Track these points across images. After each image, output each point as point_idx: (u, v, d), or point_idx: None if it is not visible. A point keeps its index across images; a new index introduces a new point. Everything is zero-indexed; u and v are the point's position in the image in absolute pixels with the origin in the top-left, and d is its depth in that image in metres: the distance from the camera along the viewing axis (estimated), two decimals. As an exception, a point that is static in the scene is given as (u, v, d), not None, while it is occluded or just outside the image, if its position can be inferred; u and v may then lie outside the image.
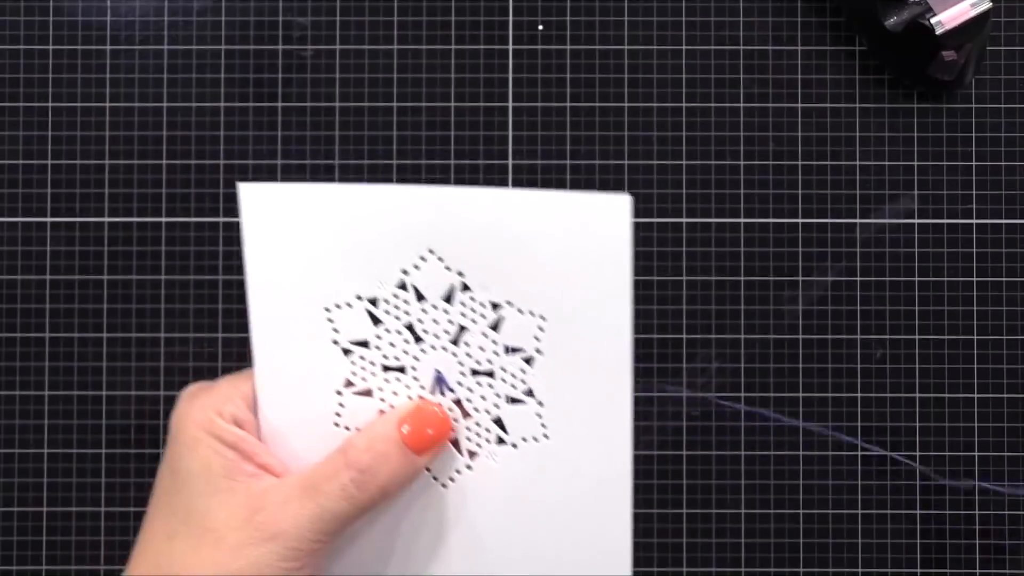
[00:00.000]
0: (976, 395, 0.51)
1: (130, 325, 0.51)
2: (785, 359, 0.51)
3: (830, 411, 0.51)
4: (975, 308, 0.51)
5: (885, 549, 0.50)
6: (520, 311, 0.32)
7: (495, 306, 0.32)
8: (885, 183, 0.51)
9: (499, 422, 0.33)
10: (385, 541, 0.35)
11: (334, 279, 0.33)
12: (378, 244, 0.32)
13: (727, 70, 0.52)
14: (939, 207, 0.51)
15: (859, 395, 0.51)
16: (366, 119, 0.51)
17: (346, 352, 0.33)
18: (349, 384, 0.34)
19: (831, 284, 0.51)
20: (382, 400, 0.34)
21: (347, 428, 0.34)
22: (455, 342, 0.33)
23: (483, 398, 0.33)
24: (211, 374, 0.51)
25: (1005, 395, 0.51)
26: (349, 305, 0.33)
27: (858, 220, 0.51)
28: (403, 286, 0.32)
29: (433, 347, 0.33)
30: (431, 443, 0.33)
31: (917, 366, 0.51)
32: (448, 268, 0.32)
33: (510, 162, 0.51)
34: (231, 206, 0.51)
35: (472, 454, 0.34)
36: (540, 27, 0.52)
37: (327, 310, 0.33)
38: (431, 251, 0.32)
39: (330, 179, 0.51)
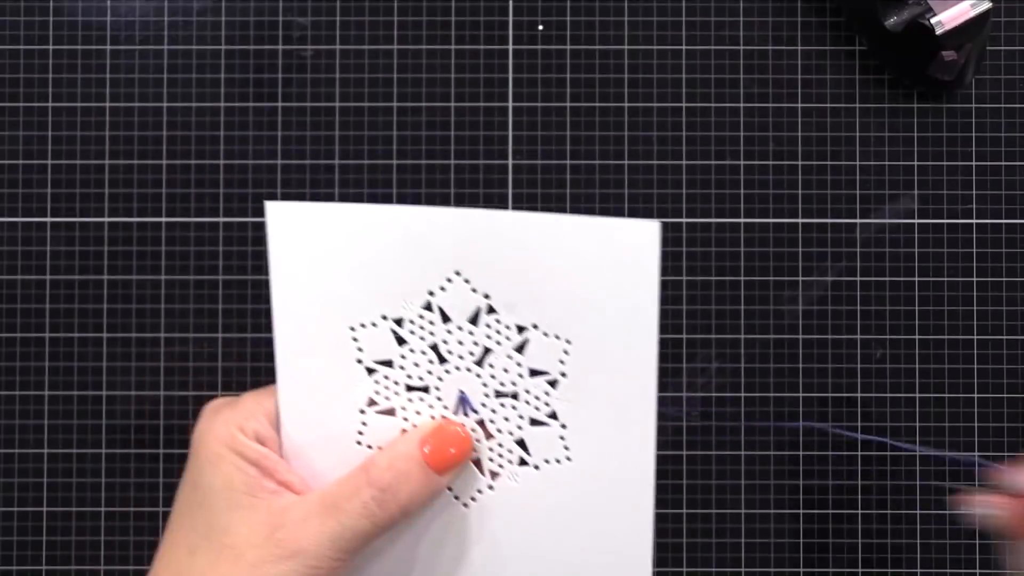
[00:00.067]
0: (976, 395, 0.51)
1: (130, 325, 0.51)
2: (785, 359, 0.51)
3: (830, 411, 0.51)
4: (975, 308, 0.51)
5: (885, 549, 0.50)
6: (545, 334, 0.32)
7: (520, 329, 0.32)
8: (885, 183, 0.51)
9: (522, 443, 0.33)
10: (406, 559, 0.35)
11: (360, 299, 0.33)
12: (405, 265, 0.32)
13: (727, 70, 0.52)
14: (939, 207, 0.51)
15: (859, 395, 0.51)
16: (366, 119, 0.51)
17: (370, 371, 0.33)
18: (372, 403, 0.34)
19: (831, 284, 0.51)
20: (405, 419, 0.34)
21: (369, 447, 0.34)
22: (479, 363, 0.33)
23: (506, 419, 0.33)
24: (211, 374, 0.51)
25: (1005, 395, 0.51)
26: (374, 325, 0.33)
27: (858, 220, 0.51)
28: (429, 307, 0.32)
29: (457, 368, 0.33)
30: (453, 463, 0.33)
31: (917, 366, 0.51)
32: (474, 290, 0.32)
33: (510, 162, 0.51)
34: (231, 206, 0.51)
35: (494, 474, 0.34)
36: (540, 27, 0.52)
37: (352, 329, 0.33)
38: (458, 273, 0.32)
39: (330, 179, 0.51)
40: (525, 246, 0.31)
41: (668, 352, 0.51)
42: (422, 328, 0.33)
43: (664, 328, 0.51)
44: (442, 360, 0.33)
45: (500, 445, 0.33)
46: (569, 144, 0.51)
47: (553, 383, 0.32)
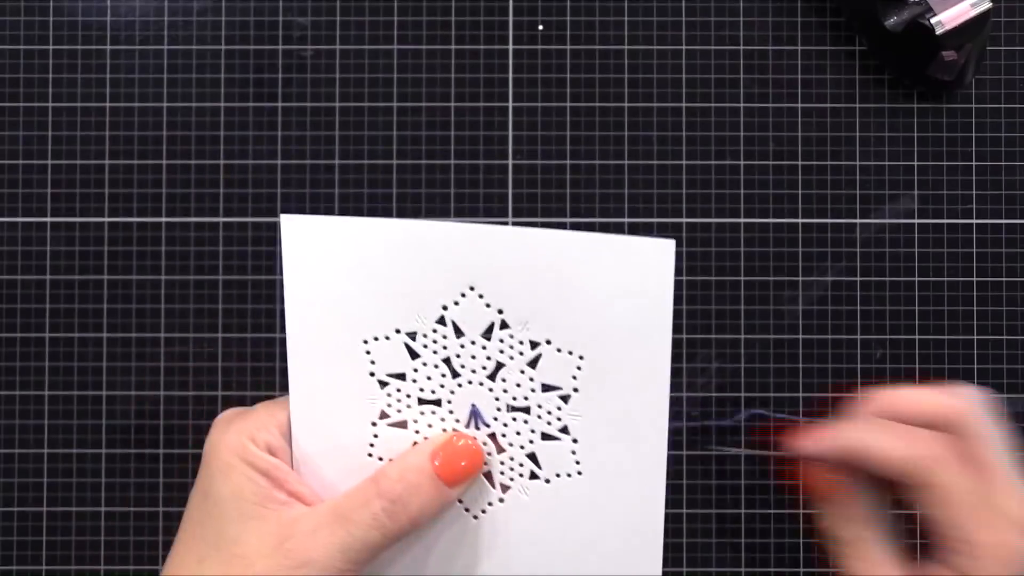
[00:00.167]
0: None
1: (130, 325, 0.51)
2: (785, 359, 0.51)
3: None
4: (975, 308, 0.51)
5: (885, 549, 0.50)
6: (559, 350, 0.32)
7: (534, 344, 0.32)
8: (885, 183, 0.51)
9: (533, 457, 0.33)
10: (416, 570, 0.35)
11: (373, 312, 0.33)
12: (419, 279, 0.32)
13: (727, 70, 0.52)
14: (939, 207, 0.51)
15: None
16: (366, 119, 0.51)
17: (382, 384, 0.33)
18: (384, 415, 0.34)
19: (831, 284, 0.51)
20: (416, 432, 0.34)
21: (380, 459, 0.34)
22: (492, 378, 0.33)
23: (518, 433, 0.33)
24: (211, 374, 0.51)
25: (1005, 395, 0.51)
26: (387, 338, 0.33)
27: (858, 220, 0.51)
28: (442, 321, 0.33)
29: (470, 382, 0.33)
30: (463, 475, 0.33)
31: (917, 366, 0.51)
32: (488, 305, 0.32)
33: (510, 162, 0.51)
34: (231, 206, 0.51)
35: (505, 488, 0.34)
36: (540, 27, 0.52)
37: (365, 342, 0.33)
38: (472, 288, 0.32)
39: (330, 179, 0.51)
40: (539, 262, 0.31)
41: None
42: (435, 342, 0.33)
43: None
44: (455, 374, 0.33)
45: (511, 459, 0.34)
46: (569, 144, 0.51)
47: (565, 398, 0.33)
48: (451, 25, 0.52)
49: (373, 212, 0.51)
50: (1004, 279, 0.51)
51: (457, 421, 0.34)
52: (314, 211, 0.51)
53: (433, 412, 0.33)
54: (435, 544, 0.34)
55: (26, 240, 0.51)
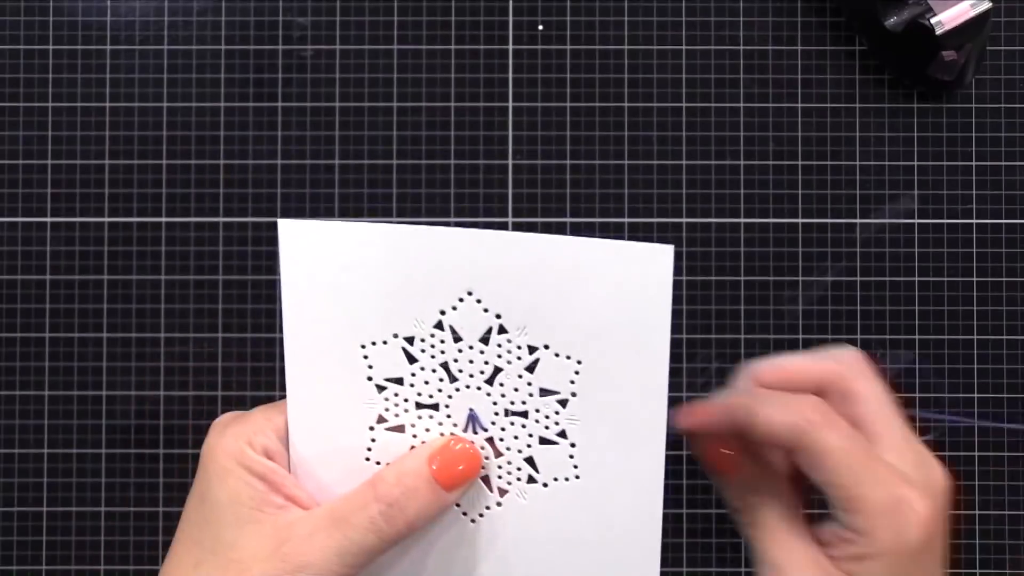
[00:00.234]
0: (976, 395, 0.51)
1: (130, 325, 0.51)
2: (785, 359, 0.51)
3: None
4: (975, 308, 0.51)
5: (885, 549, 0.50)
6: (557, 354, 0.32)
7: (532, 348, 0.32)
8: (885, 183, 0.51)
9: (531, 461, 0.33)
10: (413, 574, 0.35)
11: (371, 317, 0.33)
12: (417, 284, 0.32)
13: (727, 70, 0.52)
14: (939, 207, 0.51)
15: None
16: (366, 119, 0.51)
17: (380, 388, 0.33)
18: (381, 420, 0.34)
19: (831, 284, 0.51)
20: (414, 436, 0.34)
21: (377, 463, 0.34)
22: (490, 382, 0.33)
23: (515, 438, 0.33)
24: (211, 374, 0.51)
25: (1005, 395, 0.51)
26: (385, 343, 0.33)
27: (858, 220, 0.51)
28: (440, 326, 0.33)
29: (467, 386, 0.33)
30: (461, 479, 0.33)
31: (917, 366, 0.51)
32: (486, 310, 0.32)
33: (510, 162, 0.51)
34: (231, 206, 0.51)
35: (503, 492, 0.34)
36: (540, 27, 0.52)
37: (363, 347, 0.33)
38: (470, 293, 0.32)
39: (330, 179, 0.51)
40: (537, 267, 0.31)
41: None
42: (433, 347, 0.33)
43: (664, 328, 0.51)
44: (452, 378, 0.33)
45: (509, 463, 0.34)
46: (569, 144, 0.51)
47: (563, 402, 0.33)
48: (451, 25, 0.52)
49: (373, 212, 0.51)
50: (1004, 279, 0.51)
51: (455, 425, 0.34)
52: (314, 211, 0.51)
53: (431, 416, 0.33)
54: (432, 548, 0.34)
55: (26, 240, 0.51)
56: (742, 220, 0.51)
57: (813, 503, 0.35)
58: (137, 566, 0.51)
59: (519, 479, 0.34)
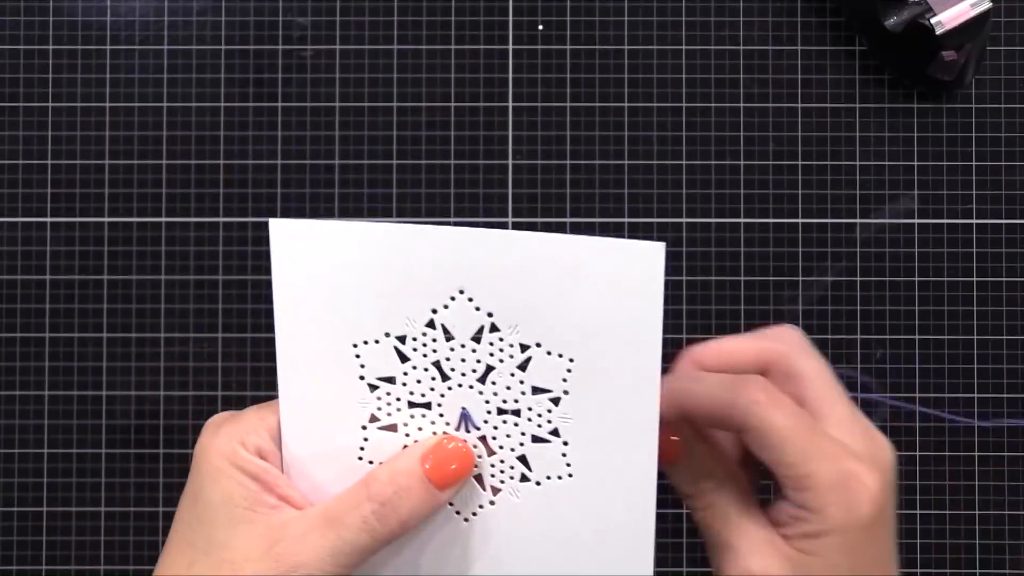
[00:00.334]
0: (976, 395, 0.51)
1: (130, 325, 0.51)
2: (785, 359, 0.51)
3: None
4: (975, 308, 0.51)
5: (885, 549, 0.50)
6: (549, 353, 0.32)
7: (523, 347, 0.32)
8: (885, 183, 0.51)
9: (524, 460, 0.33)
10: (407, 573, 0.35)
11: (363, 316, 0.33)
12: (408, 283, 0.32)
13: (727, 70, 0.52)
14: (939, 207, 0.51)
15: (859, 395, 0.51)
16: (366, 119, 0.51)
17: (372, 387, 0.33)
18: (374, 419, 0.34)
19: (831, 284, 0.51)
20: (407, 435, 0.34)
21: (371, 462, 0.34)
22: (482, 380, 0.33)
23: (508, 436, 0.33)
24: (211, 374, 0.51)
25: (1005, 395, 0.51)
26: (377, 342, 0.33)
27: (858, 220, 0.51)
28: (432, 324, 0.33)
29: (460, 385, 0.33)
30: (453, 478, 0.33)
31: (917, 366, 0.51)
32: (478, 308, 0.32)
33: (510, 162, 0.51)
34: (231, 206, 0.51)
35: (496, 490, 0.34)
36: (540, 27, 0.52)
37: (355, 346, 0.33)
38: (461, 291, 0.32)
39: (330, 179, 0.51)
40: (529, 265, 0.31)
41: (668, 352, 0.51)
42: (425, 345, 0.33)
43: (664, 328, 0.51)
44: (445, 377, 0.33)
45: (502, 461, 0.34)
46: (569, 144, 0.51)
47: (556, 401, 0.33)
48: (451, 25, 0.52)
49: (373, 212, 0.51)
50: (1004, 279, 0.51)
51: (447, 424, 0.34)
52: (314, 211, 0.51)
53: (423, 415, 0.33)
54: (426, 547, 0.34)
55: (26, 240, 0.51)
56: (742, 220, 0.51)
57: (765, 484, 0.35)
58: (137, 566, 0.51)
59: (512, 478, 0.34)
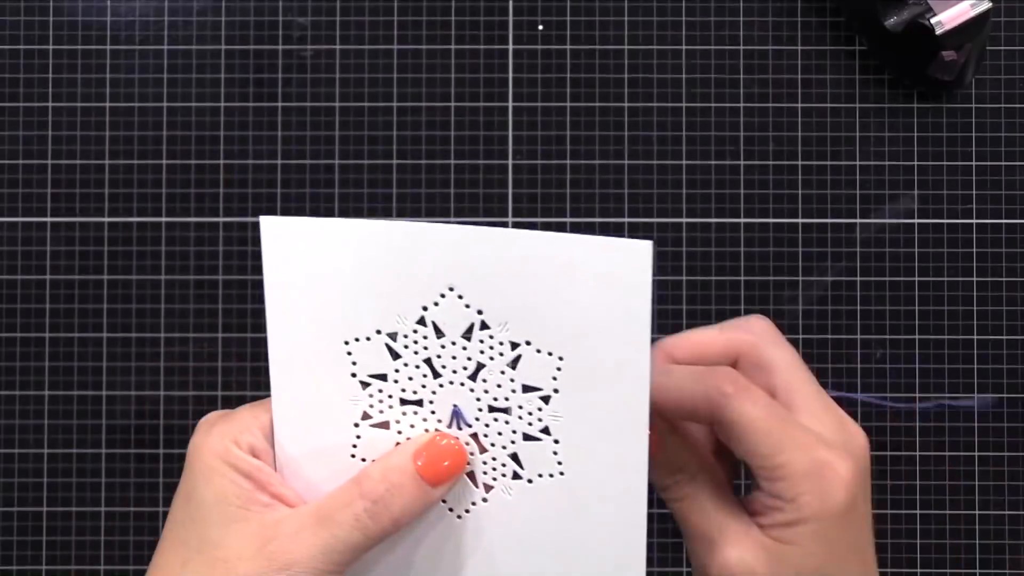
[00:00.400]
0: (976, 395, 0.51)
1: (130, 325, 0.51)
2: (785, 359, 0.51)
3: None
4: (975, 308, 0.51)
5: (885, 549, 0.50)
6: (538, 350, 0.32)
7: (514, 344, 0.32)
8: (885, 183, 0.51)
9: (515, 457, 0.33)
10: (400, 570, 0.35)
11: (354, 313, 0.33)
12: (399, 280, 0.32)
13: (727, 70, 0.52)
14: (939, 207, 0.51)
15: (859, 395, 0.51)
16: (366, 119, 0.51)
17: (364, 385, 0.33)
18: (366, 416, 0.34)
19: (831, 284, 0.51)
20: (399, 433, 0.34)
21: (363, 460, 0.34)
22: (473, 378, 0.33)
23: (500, 434, 0.33)
24: (211, 374, 0.51)
25: (1005, 395, 0.51)
26: (368, 339, 0.33)
27: (858, 220, 0.51)
28: (423, 322, 0.33)
29: (451, 382, 0.33)
30: (446, 475, 0.33)
31: (917, 366, 0.51)
32: (468, 306, 0.32)
33: (510, 162, 0.51)
34: (231, 206, 0.51)
35: (488, 487, 0.34)
36: (540, 27, 0.52)
37: (346, 343, 0.33)
38: (451, 289, 0.32)
39: (330, 179, 0.51)
40: (518, 263, 0.31)
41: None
42: (416, 343, 0.33)
43: (664, 328, 0.51)
44: (436, 374, 0.33)
45: (494, 459, 0.34)
46: (569, 144, 0.51)
47: (546, 399, 0.33)
48: (451, 25, 0.52)
49: (373, 212, 0.51)
50: (1004, 279, 0.51)
51: (439, 421, 0.34)
52: (314, 211, 0.51)
53: (415, 412, 0.34)
54: (419, 544, 0.34)
55: (26, 240, 0.51)
56: (742, 220, 0.51)
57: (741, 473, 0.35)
58: (137, 566, 0.51)
59: (504, 475, 0.34)
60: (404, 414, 0.34)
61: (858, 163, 0.52)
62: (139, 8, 0.52)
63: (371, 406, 0.34)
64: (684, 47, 0.52)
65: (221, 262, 0.51)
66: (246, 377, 0.51)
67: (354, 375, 0.33)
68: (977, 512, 0.51)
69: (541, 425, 0.33)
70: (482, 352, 0.33)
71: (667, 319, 0.51)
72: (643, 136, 0.51)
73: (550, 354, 0.32)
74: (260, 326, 0.51)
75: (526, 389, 0.33)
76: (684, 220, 0.51)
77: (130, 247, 0.51)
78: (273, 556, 0.32)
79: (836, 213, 0.51)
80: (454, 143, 0.51)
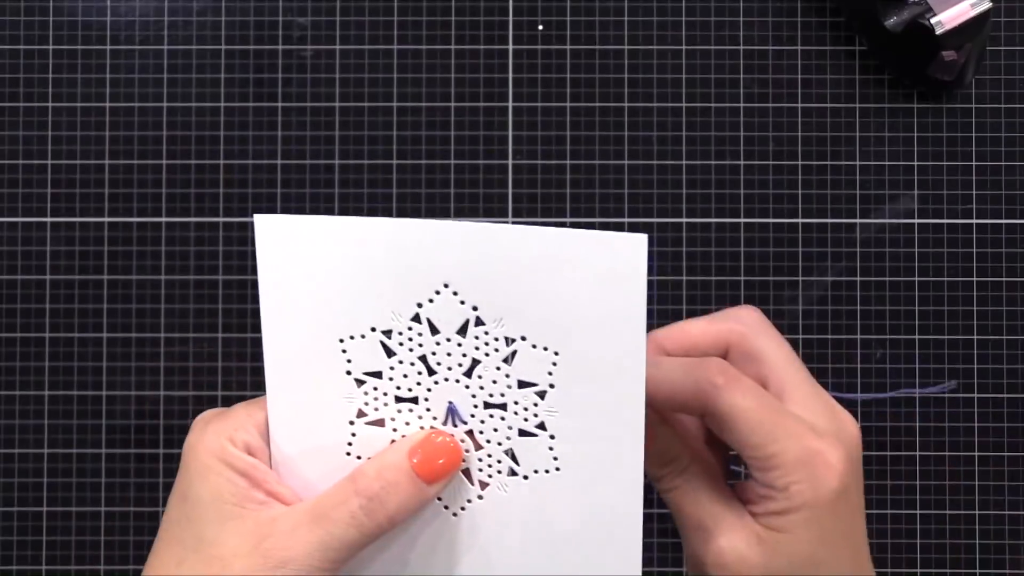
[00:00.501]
0: (976, 395, 0.51)
1: (130, 325, 0.51)
2: (785, 359, 0.51)
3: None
4: (975, 308, 0.51)
5: (885, 549, 0.50)
6: (534, 346, 0.32)
7: (509, 340, 0.32)
8: (885, 183, 0.51)
9: (511, 454, 0.33)
10: (396, 568, 0.35)
11: (349, 311, 0.33)
12: (393, 277, 0.32)
13: (727, 70, 0.52)
14: (939, 207, 0.51)
15: (859, 395, 0.51)
16: (366, 119, 0.51)
17: (359, 383, 0.33)
18: (361, 414, 0.34)
19: (831, 284, 0.51)
20: (394, 430, 0.34)
21: (359, 457, 0.34)
22: (468, 375, 0.33)
23: (495, 430, 0.33)
24: (211, 374, 0.51)
25: (1005, 395, 0.51)
26: (363, 337, 0.33)
27: (858, 220, 0.51)
28: (417, 319, 0.33)
29: (446, 379, 0.33)
30: (441, 473, 0.33)
31: (917, 366, 0.51)
32: (463, 302, 0.32)
33: (510, 162, 0.51)
34: (231, 206, 0.51)
35: (483, 484, 0.34)
36: (540, 27, 0.52)
37: (341, 341, 0.33)
38: (446, 285, 0.32)
39: (330, 179, 0.51)
40: (513, 258, 0.31)
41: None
42: (411, 340, 0.33)
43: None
44: (431, 371, 0.33)
45: (489, 455, 0.34)
46: (569, 144, 0.51)
47: (541, 394, 0.33)
48: (451, 25, 0.52)
49: (373, 212, 0.51)
50: (1004, 279, 0.51)
51: (434, 419, 0.34)
52: (314, 211, 0.51)
53: (410, 410, 0.34)
54: (414, 542, 0.34)
55: (26, 240, 0.51)
56: (742, 220, 0.51)
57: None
58: (137, 566, 0.51)
59: (500, 472, 0.34)
60: (399, 411, 0.34)
61: (858, 163, 0.52)
62: (139, 8, 0.52)
63: (366, 404, 0.34)
64: (684, 47, 0.52)
65: (221, 262, 0.51)
66: (246, 377, 0.51)
67: (349, 373, 0.33)
68: (977, 512, 0.51)
69: (537, 421, 0.33)
70: (477, 348, 0.33)
71: (667, 319, 0.51)
72: (643, 136, 0.51)
73: (545, 349, 0.32)
74: (260, 326, 0.51)
75: (522, 385, 0.33)
76: (684, 220, 0.51)
77: (130, 247, 0.51)
78: (269, 553, 0.32)
79: (836, 213, 0.51)
80: (454, 143, 0.51)
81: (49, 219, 0.51)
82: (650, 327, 0.31)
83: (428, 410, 0.34)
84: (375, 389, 0.34)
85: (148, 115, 0.51)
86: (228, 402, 0.51)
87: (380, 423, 0.34)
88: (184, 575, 0.32)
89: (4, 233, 0.51)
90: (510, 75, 0.52)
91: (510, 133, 0.51)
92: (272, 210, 0.51)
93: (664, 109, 0.51)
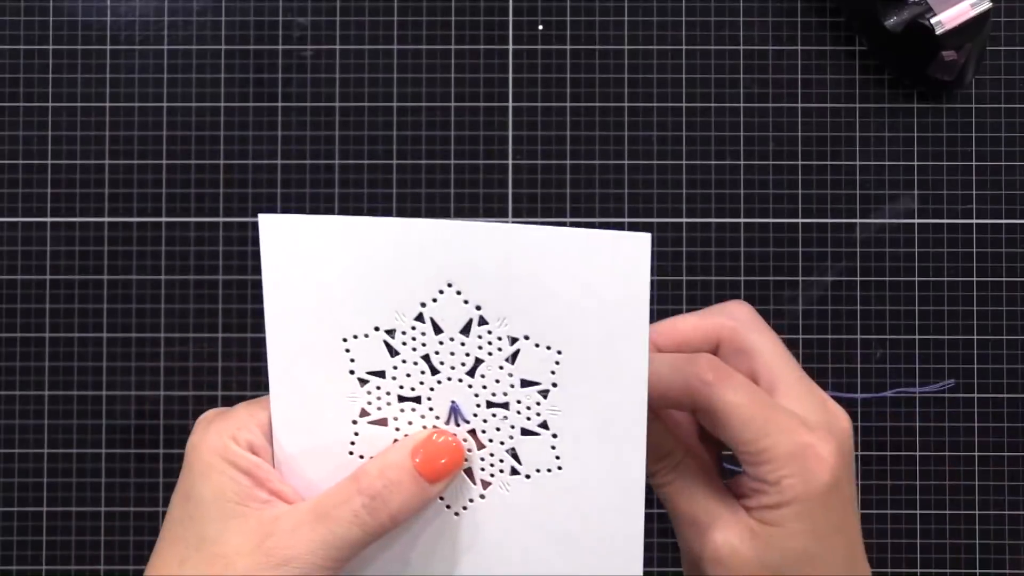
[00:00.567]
0: (976, 395, 0.51)
1: (130, 325, 0.51)
2: (785, 359, 0.51)
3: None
4: (975, 308, 0.51)
5: (886, 549, 0.50)
6: (537, 345, 0.32)
7: (512, 339, 0.32)
8: (885, 183, 0.51)
9: (513, 453, 0.33)
10: (397, 567, 0.35)
11: (352, 310, 0.33)
12: (397, 277, 0.32)
13: (727, 70, 0.52)
14: (939, 207, 0.51)
15: (859, 395, 0.51)
16: (366, 119, 0.51)
17: (362, 382, 0.33)
18: (364, 413, 0.34)
19: (831, 284, 0.51)
20: (397, 430, 0.34)
21: (361, 456, 0.34)
22: (471, 374, 0.33)
23: (498, 429, 0.33)
24: (211, 374, 0.51)
25: (1005, 395, 0.51)
26: (367, 336, 0.33)
27: (858, 220, 0.51)
28: (421, 318, 0.33)
29: (449, 378, 0.33)
30: (444, 472, 0.33)
31: (917, 366, 0.51)
32: (466, 301, 0.32)
33: (510, 162, 0.51)
34: (231, 206, 0.51)
35: (485, 484, 0.34)
36: (540, 27, 0.52)
37: (344, 340, 0.33)
38: (449, 284, 0.32)
39: (330, 179, 0.51)
40: (516, 258, 0.31)
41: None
42: (414, 339, 0.33)
43: (664, 328, 0.51)
44: (434, 371, 0.33)
45: (491, 455, 0.34)
46: (569, 144, 0.51)
47: (544, 393, 0.33)
48: (451, 25, 0.52)
49: (373, 212, 0.51)
50: (1004, 279, 0.51)
51: (437, 418, 0.34)
52: (314, 211, 0.51)
53: (413, 409, 0.34)
54: (417, 541, 0.34)
55: (26, 240, 0.51)
56: (742, 220, 0.51)
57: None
58: (137, 566, 0.51)
59: (502, 471, 0.34)
60: (402, 411, 0.34)
61: (858, 163, 0.52)
62: (139, 8, 0.52)
63: (369, 403, 0.34)
64: (684, 47, 0.52)
65: (221, 262, 0.51)
66: (246, 377, 0.51)
67: (352, 372, 0.33)
68: (977, 512, 0.51)
69: (539, 420, 0.33)
70: (480, 348, 0.33)
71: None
72: (643, 136, 0.51)
73: (548, 348, 0.32)
74: (260, 326, 0.51)
75: (524, 384, 0.33)
76: (684, 220, 0.51)
77: (130, 247, 0.51)
78: (271, 552, 0.32)
79: (836, 213, 0.51)
80: (454, 143, 0.51)
81: (49, 219, 0.51)
82: (650, 321, 0.31)
83: (431, 409, 0.34)
84: (378, 388, 0.34)
85: (148, 115, 0.51)
86: (228, 402, 0.51)
87: (383, 422, 0.34)
88: (187, 574, 0.32)
89: (4, 233, 0.51)
90: (510, 75, 0.52)
91: (510, 133, 0.51)
92: (272, 210, 0.51)
93: (664, 109, 0.51)
